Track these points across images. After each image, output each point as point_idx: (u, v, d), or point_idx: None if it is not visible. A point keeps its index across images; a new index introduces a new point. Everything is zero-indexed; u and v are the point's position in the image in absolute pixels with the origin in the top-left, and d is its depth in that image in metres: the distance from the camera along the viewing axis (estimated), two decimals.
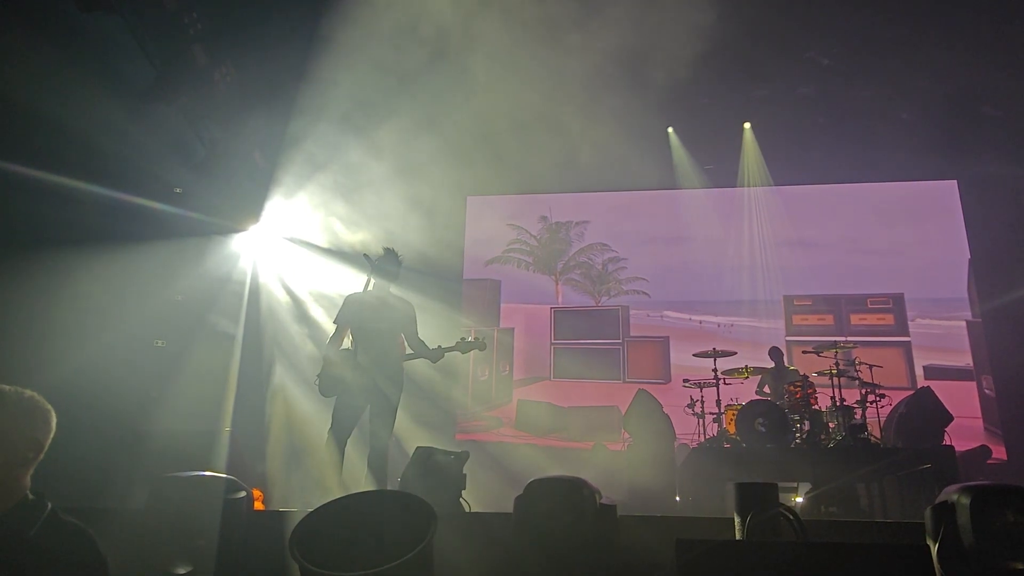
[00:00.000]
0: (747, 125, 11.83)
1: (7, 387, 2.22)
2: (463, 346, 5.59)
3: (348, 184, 9.41)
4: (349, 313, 5.62)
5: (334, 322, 5.68)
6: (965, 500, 3.09)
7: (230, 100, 8.77)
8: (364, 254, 5.77)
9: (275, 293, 9.44)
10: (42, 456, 2.25)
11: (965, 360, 10.58)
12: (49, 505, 2.21)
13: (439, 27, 8.21)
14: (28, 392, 2.25)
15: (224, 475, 3.74)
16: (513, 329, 12.22)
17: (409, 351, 5.63)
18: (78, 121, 6.86)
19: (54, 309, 6.51)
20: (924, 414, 7.62)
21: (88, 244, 6.95)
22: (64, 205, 7.04)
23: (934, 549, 3.13)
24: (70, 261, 6.55)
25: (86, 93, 6.97)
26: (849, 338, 8.37)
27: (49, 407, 2.28)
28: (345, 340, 5.63)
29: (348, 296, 5.70)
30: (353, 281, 7.49)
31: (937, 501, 3.27)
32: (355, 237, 9.35)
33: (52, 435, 2.27)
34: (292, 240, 9.75)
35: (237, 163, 9.09)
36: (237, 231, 9.25)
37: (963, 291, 10.97)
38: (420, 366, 6.17)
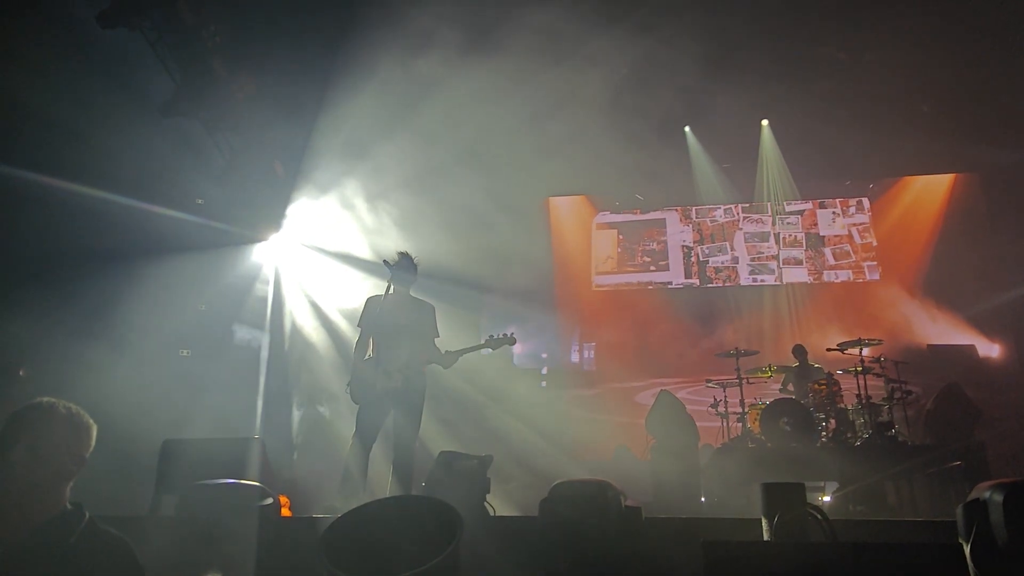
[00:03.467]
0: (764, 122, 11.75)
1: (58, 402, 2.26)
2: (493, 343, 5.57)
3: (368, 192, 9.46)
4: (371, 316, 5.63)
5: (358, 326, 5.69)
6: (998, 497, 3.03)
7: (249, 111, 8.87)
8: (384, 260, 5.78)
9: (298, 301, 9.51)
10: (83, 469, 2.29)
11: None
12: (87, 514, 2.25)
13: (456, 34, 8.25)
14: (74, 407, 2.29)
15: (253, 482, 3.78)
16: None
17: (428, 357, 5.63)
18: (100, 135, 6.98)
19: (87, 322, 6.62)
20: (953, 410, 7.49)
21: (115, 257, 7.05)
22: (88, 219, 7.17)
23: (967, 548, 3.08)
24: (99, 274, 6.65)
25: (109, 108, 7.09)
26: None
27: (92, 422, 2.32)
28: (370, 345, 5.64)
29: (369, 299, 5.71)
30: (374, 288, 7.52)
31: (969, 499, 3.21)
32: (375, 244, 9.39)
33: (92, 449, 2.32)
34: (313, 248, 9.82)
35: (257, 173, 9.18)
36: (258, 240, 9.34)
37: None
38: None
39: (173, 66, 8.23)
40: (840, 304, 11.60)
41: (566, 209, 13.68)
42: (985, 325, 10.73)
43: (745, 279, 12.71)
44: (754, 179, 12.23)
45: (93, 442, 2.30)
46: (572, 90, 9.23)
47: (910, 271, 11.66)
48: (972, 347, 10.30)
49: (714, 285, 12.77)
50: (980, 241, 11.16)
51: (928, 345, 10.34)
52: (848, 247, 12.50)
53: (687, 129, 11.82)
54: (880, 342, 8.10)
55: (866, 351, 7.94)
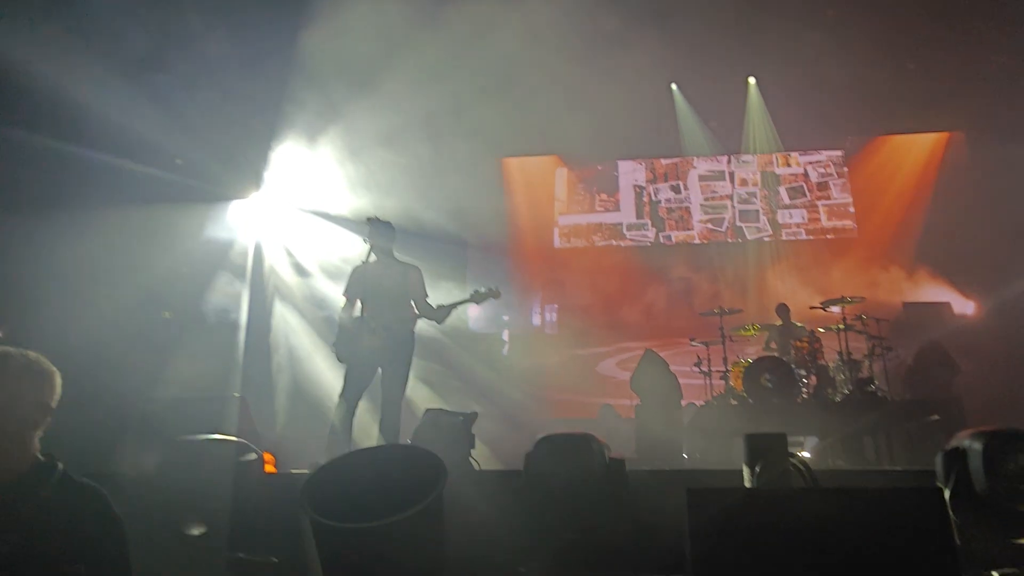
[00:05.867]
0: (752, 80, 11.64)
1: (13, 350, 2.19)
2: (477, 297, 5.56)
3: (348, 148, 9.32)
4: (356, 283, 5.65)
5: (344, 294, 5.69)
6: (978, 445, 3.09)
7: (227, 66, 8.67)
8: (367, 218, 5.73)
9: (279, 259, 9.41)
10: (50, 418, 2.24)
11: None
12: (61, 466, 2.20)
13: None
14: (32, 354, 2.22)
15: (235, 438, 3.76)
16: None
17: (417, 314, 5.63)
18: (74, 90, 6.81)
19: (61, 274, 6.52)
20: (932, 366, 7.60)
21: (92, 210, 6.92)
22: (63, 176, 7.02)
23: (946, 494, 3.13)
24: (76, 226, 6.52)
25: (83, 62, 6.90)
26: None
27: (54, 369, 2.25)
28: (356, 309, 5.64)
29: (355, 267, 5.72)
30: (356, 246, 7.45)
31: (949, 447, 3.27)
32: (355, 201, 9.28)
33: (58, 397, 2.25)
34: (294, 205, 9.69)
35: (236, 129, 9.01)
36: (238, 197, 9.19)
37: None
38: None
39: (148, 21, 8.00)
40: (818, 261, 11.50)
41: (532, 167, 13.27)
42: (962, 283, 10.75)
43: (698, 218, 12.51)
44: (740, 136, 12.10)
45: (58, 390, 2.24)
46: (550, 48, 9.07)
47: (888, 227, 11.58)
48: (948, 304, 10.33)
49: (668, 237, 12.53)
50: (962, 199, 11.13)
51: (903, 303, 10.34)
52: (803, 185, 12.36)
53: (673, 86, 11.68)
54: (862, 299, 8.15)
55: (848, 308, 7.99)
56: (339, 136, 9.16)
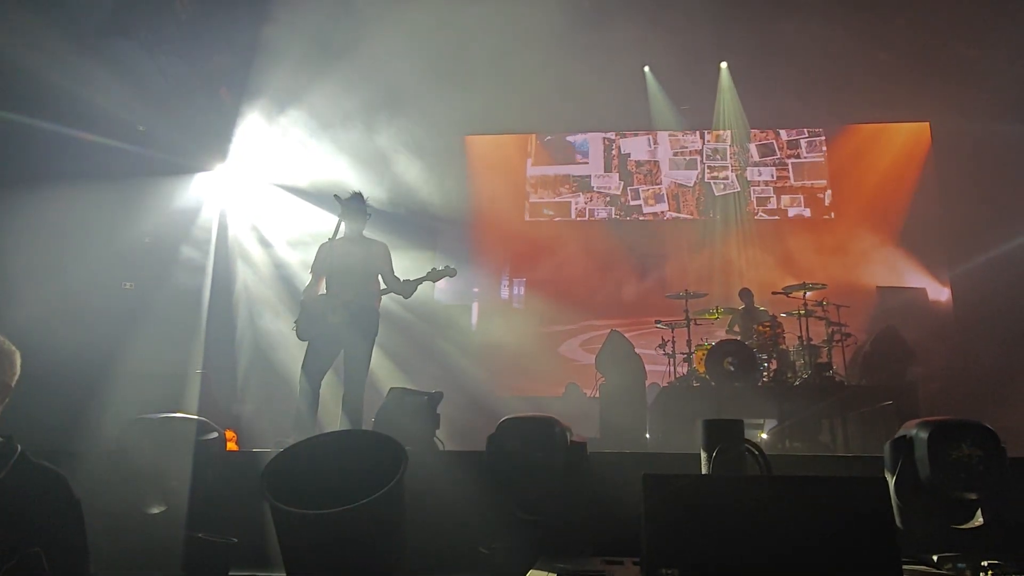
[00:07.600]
0: (724, 65, 11.68)
1: None
2: (434, 275, 5.59)
3: (317, 121, 9.17)
4: (323, 261, 5.62)
5: (310, 272, 5.67)
6: (923, 434, 3.20)
7: (193, 32, 8.44)
8: (335, 195, 5.68)
9: (244, 233, 9.27)
10: (8, 399, 2.21)
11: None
12: (19, 448, 2.17)
13: None
14: None
15: (195, 416, 3.74)
16: None
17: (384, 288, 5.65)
18: (28, 56, 6.57)
19: (19, 248, 6.35)
20: (888, 352, 7.78)
21: (49, 183, 6.73)
22: (21, 143, 6.80)
23: (892, 481, 3.24)
24: (32, 200, 6.34)
25: (39, 25, 6.65)
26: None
27: (14, 348, 2.22)
28: (321, 287, 5.62)
29: (321, 245, 5.70)
30: (323, 221, 7.38)
31: (896, 436, 3.38)
32: (321, 176, 9.15)
33: (18, 377, 2.22)
34: (260, 179, 9.52)
35: (202, 99, 8.80)
36: (204, 170, 9.00)
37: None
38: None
39: None
40: (792, 242, 11.56)
41: (503, 141, 13.11)
42: (938, 269, 10.87)
43: (666, 172, 12.49)
44: (712, 119, 12.12)
45: (18, 369, 2.21)
46: (525, 27, 9.01)
47: (864, 210, 11.60)
48: (923, 290, 10.42)
49: (636, 192, 12.45)
50: (938, 187, 11.28)
51: (877, 287, 10.41)
52: (773, 143, 12.35)
53: (646, 69, 11.67)
54: (824, 286, 8.31)
55: (810, 294, 8.15)
56: (306, 110, 9.00)
